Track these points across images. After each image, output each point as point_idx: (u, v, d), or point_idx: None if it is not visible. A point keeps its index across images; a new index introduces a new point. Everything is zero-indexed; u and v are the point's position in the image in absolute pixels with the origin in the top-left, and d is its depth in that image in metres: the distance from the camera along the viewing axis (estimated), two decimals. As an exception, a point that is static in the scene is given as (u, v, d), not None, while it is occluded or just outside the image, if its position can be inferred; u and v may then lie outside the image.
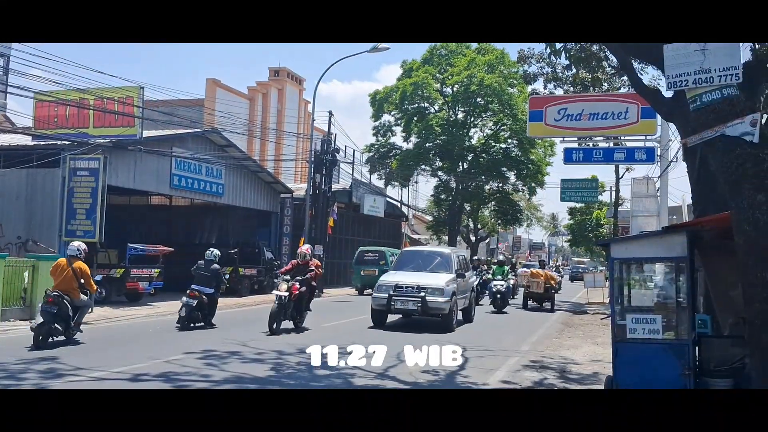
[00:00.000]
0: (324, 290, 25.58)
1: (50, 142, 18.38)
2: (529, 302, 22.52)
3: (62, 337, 10.86)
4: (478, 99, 38.17)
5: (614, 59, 11.48)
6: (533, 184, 39.89)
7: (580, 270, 61.38)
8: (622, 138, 19.55)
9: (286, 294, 13.39)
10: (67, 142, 18.06)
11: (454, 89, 39.03)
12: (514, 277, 24.48)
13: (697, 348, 6.91)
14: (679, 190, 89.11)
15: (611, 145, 20.33)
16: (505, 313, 19.97)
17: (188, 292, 13.68)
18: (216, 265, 14.30)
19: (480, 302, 21.45)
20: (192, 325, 13.56)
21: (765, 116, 9.13)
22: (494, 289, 20.48)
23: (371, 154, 40.94)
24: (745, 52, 7.58)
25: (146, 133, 19.85)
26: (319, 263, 15.28)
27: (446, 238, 42.98)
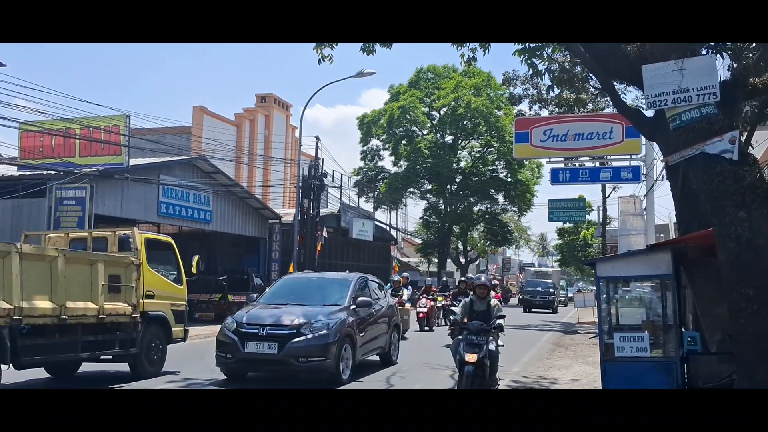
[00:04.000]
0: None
1: (36, 172, 18.31)
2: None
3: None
4: (466, 121, 38.46)
5: (596, 80, 11.59)
6: (522, 205, 40.13)
7: (540, 290, 35.79)
8: (608, 158, 19.69)
9: None
10: (53, 172, 18.01)
11: (442, 112, 39.34)
12: (503, 318, 8.45)
13: (685, 365, 6.91)
14: (666, 208, 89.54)
15: (597, 164, 20.46)
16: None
17: None
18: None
19: None
20: None
21: (744, 134, 9.26)
22: (462, 358, 7.74)
23: (359, 177, 41.06)
24: (722, 70, 7.70)
25: (133, 161, 19.82)
26: None
27: (436, 260, 42.99)
